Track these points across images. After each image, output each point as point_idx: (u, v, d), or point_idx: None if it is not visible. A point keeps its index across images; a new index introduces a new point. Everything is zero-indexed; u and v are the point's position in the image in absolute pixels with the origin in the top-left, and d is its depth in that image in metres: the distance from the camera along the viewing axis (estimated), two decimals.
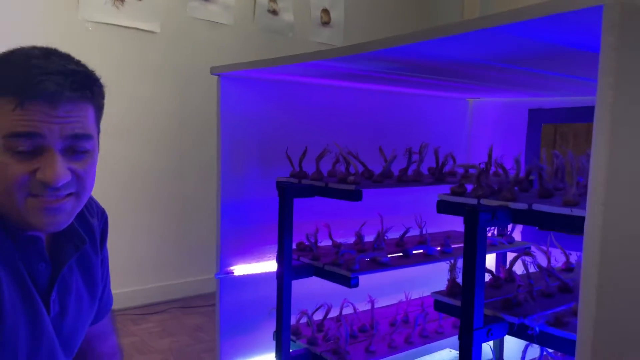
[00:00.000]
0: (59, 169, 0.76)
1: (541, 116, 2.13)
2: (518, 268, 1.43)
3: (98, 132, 0.86)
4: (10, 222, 0.80)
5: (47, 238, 0.87)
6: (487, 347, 1.49)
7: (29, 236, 0.82)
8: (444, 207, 1.22)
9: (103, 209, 1.04)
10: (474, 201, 1.16)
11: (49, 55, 0.79)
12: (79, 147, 0.79)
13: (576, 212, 0.98)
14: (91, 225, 0.97)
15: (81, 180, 0.81)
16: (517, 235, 2.05)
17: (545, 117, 2.12)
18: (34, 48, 0.80)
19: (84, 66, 0.82)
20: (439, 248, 1.71)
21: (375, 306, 1.78)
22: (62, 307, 0.89)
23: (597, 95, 0.75)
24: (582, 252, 0.77)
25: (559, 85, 1.74)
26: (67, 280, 0.91)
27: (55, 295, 0.88)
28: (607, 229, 0.76)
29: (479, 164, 1.23)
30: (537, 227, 2.09)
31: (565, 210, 1.01)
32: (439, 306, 1.24)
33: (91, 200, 1.00)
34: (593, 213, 0.76)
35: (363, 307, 1.79)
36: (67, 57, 0.81)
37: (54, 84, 0.74)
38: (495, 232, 1.91)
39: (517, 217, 1.08)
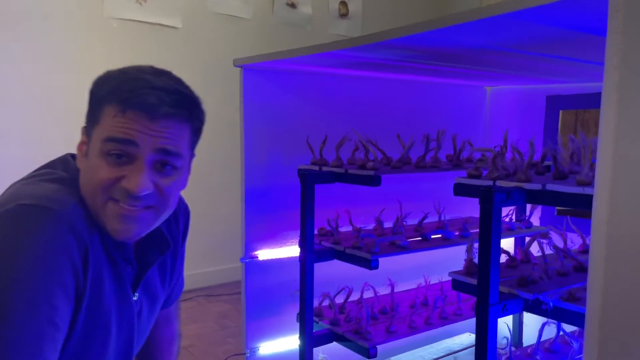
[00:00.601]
0: (143, 179, 0.81)
1: (559, 103, 2.14)
2: (535, 251, 1.46)
3: (191, 155, 0.91)
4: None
5: (135, 242, 0.92)
6: (505, 328, 1.53)
7: (119, 242, 0.87)
8: (460, 190, 1.26)
9: (186, 204, 1.09)
10: (489, 183, 1.20)
11: (160, 74, 0.85)
12: (168, 163, 0.84)
13: (588, 190, 1.02)
14: (178, 231, 1.02)
15: (163, 196, 0.85)
16: (535, 221, 2.08)
17: (562, 103, 2.14)
18: (150, 67, 0.86)
19: (189, 89, 0.87)
20: (457, 233, 1.75)
21: (395, 290, 1.82)
22: (141, 305, 0.96)
23: (604, 76, 0.79)
24: (591, 226, 0.81)
25: (576, 71, 1.76)
26: (149, 283, 0.97)
27: (138, 295, 0.94)
28: (613, 203, 0.79)
29: (494, 147, 1.26)
30: (555, 212, 2.12)
31: (578, 190, 1.05)
32: (457, 285, 1.29)
33: (180, 199, 1.05)
34: (601, 188, 0.79)
35: (383, 291, 1.84)
36: (176, 79, 0.86)
37: (156, 98, 0.80)
38: (514, 218, 1.94)
39: (531, 197, 1.12)
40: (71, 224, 0.77)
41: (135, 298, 0.93)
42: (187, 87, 0.87)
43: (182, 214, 1.06)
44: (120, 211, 0.82)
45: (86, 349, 0.83)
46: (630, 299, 0.86)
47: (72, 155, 0.91)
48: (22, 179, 0.86)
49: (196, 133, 0.90)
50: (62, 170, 0.87)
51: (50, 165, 0.90)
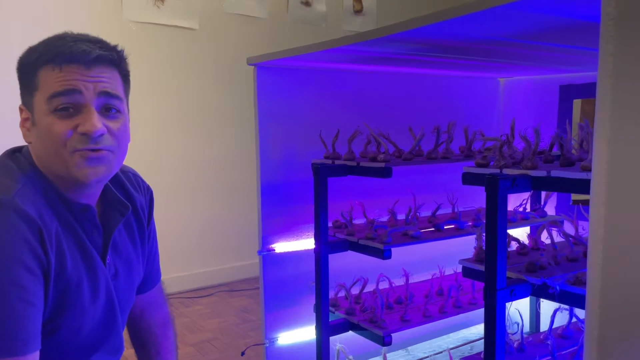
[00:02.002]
0: (96, 121, 0.88)
1: (572, 92, 2.14)
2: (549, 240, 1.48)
3: (127, 100, 0.98)
4: (63, 186, 0.92)
5: (97, 208, 0.99)
6: (517, 314, 1.55)
7: (82, 205, 0.94)
8: (468, 179, 1.29)
9: (148, 185, 1.15)
10: (496, 171, 1.22)
11: (81, 33, 0.93)
12: (112, 106, 0.91)
13: (590, 176, 1.04)
14: (134, 198, 1.08)
15: (116, 138, 0.92)
16: (551, 210, 2.09)
17: (576, 92, 2.14)
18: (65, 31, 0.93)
19: (107, 41, 0.95)
20: (470, 223, 1.78)
21: (410, 281, 1.85)
22: (116, 269, 1.01)
23: (599, 63, 0.82)
24: (589, 208, 0.83)
25: (589, 60, 1.76)
26: (118, 245, 1.03)
27: (110, 258, 1.00)
28: (610, 186, 0.82)
29: (501, 135, 1.29)
30: (570, 202, 2.12)
31: (582, 175, 1.07)
32: (467, 272, 1.32)
33: (137, 177, 1.12)
34: (598, 172, 0.82)
35: (398, 282, 1.87)
36: (97, 37, 0.94)
37: (85, 46, 0.88)
38: (529, 207, 1.96)
39: (537, 184, 1.14)
40: (17, 209, 0.83)
41: (107, 262, 0.99)
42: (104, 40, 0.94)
43: (141, 192, 1.11)
44: (85, 155, 0.88)
45: (62, 317, 0.90)
46: (629, 280, 0.88)
47: (15, 149, 0.97)
48: None
49: (125, 79, 0.97)
50: (8, 159, 0.93)
51: None
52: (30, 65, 0.89)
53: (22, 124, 0.93)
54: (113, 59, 0.92)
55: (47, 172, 0.91)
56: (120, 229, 1.03)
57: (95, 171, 0.90)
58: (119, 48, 0.95)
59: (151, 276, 1.18)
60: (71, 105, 0.88)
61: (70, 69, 0.87)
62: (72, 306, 0.91)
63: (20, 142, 0.97)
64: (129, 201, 1.04)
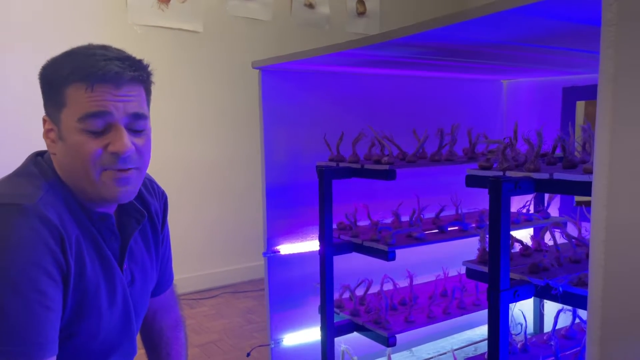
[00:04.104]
0: (127, 140, 0.89)
1: (575, 94, 2.15)
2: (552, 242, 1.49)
3: (149, 113, 0.99)
4: (86, 198, 0.93)
5: (114, 215, 1.00)
6: (520, 315, 1.56)
7: (101, 214, 0.96)
8: (471, 181, 1.30)
9: (163, 190, 1.17)
10: (499, 174, 1.23)
11: (105, 47, 0.93)
12: (138, 126, 0.92)
13: (592, 178, 1.05)
14: (149, 205, 1.09)
15: (141, 156, 0.94)
16: (554, 212, 2.09)
17: (579, 94, 2.15)
18: (90, 44, 0.94)
19: (133, 56, 0.96)
20: (473, 224, 1.79)
21: (414, 283, 1.87)
22: (132, 275, 1.03)
23: (600, 67, 0.83)
24: (591, 210, 0.85)
25: (592, 62, 1.77)
26: (134, 252, 1.04)
27: (126, 265, 1.02)
28: (612, 188, 0.83)
29: (504, 138, 1.30)
30: (574, 203, 2.13)
31: (584, 177, 1.08)
32: (471, 273, 1.33)
33: (152, 182, 1.14)
34: (599, 174, 0.83)
35: (403, 283, 1.88)
36: (120, 49, 0.95)
37: (116, 66, 0.88)
38: (532, 209, 1.97)
39: (540, 186, 1.16)
40: (40, 215, 0.84)
41: (124, 268, 1.00)
42: (130, 55, 0.95)
43: (156, 197, 1.13)
44: (114, 176, 0.90)
45: (80, 322, 0.91)
46: (630, 281, 0.89)
47: (39, 153, 0.98)
48: None
49: (149, 92, 0.98)
50: (32, 165, 0.94)
51: (22, 165, 0.97)
52: (59, 81, 0.89)
53: (46, 135, 0.93)
54: (143, 79, 0.93)
55: (69, 182, 0.92)
56: (136, 236, 1.04)
57: (123, 190, 0.92)
58: (145, 63, 0.96)
59: (164, 279, 1.19)
60: (102, 125, 0.89)
61: (101, 88, 0.87)
62: (89, 312, 0.92)
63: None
64: (145, 208, 1.06)
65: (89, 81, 0.87)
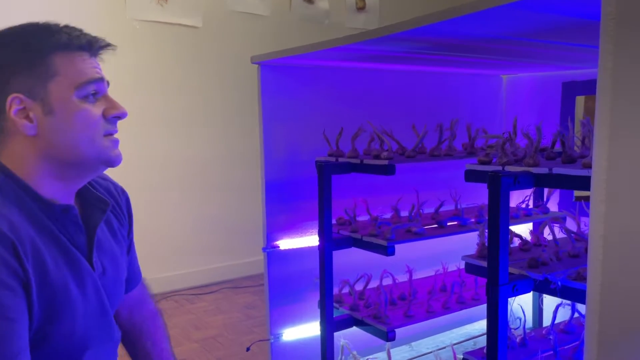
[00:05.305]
0: (118, 102, 0.94)
1: (575, 89, 2.15)
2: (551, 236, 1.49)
3: None
4: (82, 168, 0.93)
5: (77, 208, 0.97)
6: (519, 310, 1.56)
7: (64, 206, 0.93)
8: (471, 176, 1.30)
9: (122, 187, 1.15)
10: (498, 168, 1.24)
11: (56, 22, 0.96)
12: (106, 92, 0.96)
13: (591, 172, 1.05)
14: (115, 197, 1.09)
15: None
16: (554, 207, 2.10)
17: (578, 89, 2.15)
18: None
19: None
20: (473, 219, 1.79)
21: (414, 278, 1.87)
22: (103, 266, 1.01)
23: (599, 62, 0.83)
24: (590, 205, 0.85)
25: (592, 57, 1.77)
26: (102, 242, 1.02)
27: (96, 257, 0.99)
28: (610, 183, 0.83)
29: (503, 133, 1.30)
30: (573, 198, 2.13)
31: (584, 172, 1.08)
32: (470, 268, 1.33)
33: (111, 182, 1.12)
34: (598, 169, 0.83)
35: (402, 278, 1.89)
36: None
37: (90, 36, 0.93)
38: (531, 204, 1.97)
39: (539, 181, 1.16)
40: None
41: (94, 260, 0.98)
42: None
43: (117, 194, 1.12)
44: (113, 139, 0.94)
45: (53, 323, 0.89)
46: (629, 275, 0.89)
47: None
48: None
49: None
50: None
51: None
52: (45, 50, 0.88)
53: (19, 114, 0.86)
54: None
55: (49, 164, 0.90)
56: (102, 226, 1.02)
57: (119, 152, 0.95)
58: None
59: (134, 274, 1.19)
60: (101, 91, 0.92)
61: (89, 55, 0.91)
62: (61, 311, 0.90)
63: None
64: (106, 197, 1.05)
65: (87, 49, 0.91)
